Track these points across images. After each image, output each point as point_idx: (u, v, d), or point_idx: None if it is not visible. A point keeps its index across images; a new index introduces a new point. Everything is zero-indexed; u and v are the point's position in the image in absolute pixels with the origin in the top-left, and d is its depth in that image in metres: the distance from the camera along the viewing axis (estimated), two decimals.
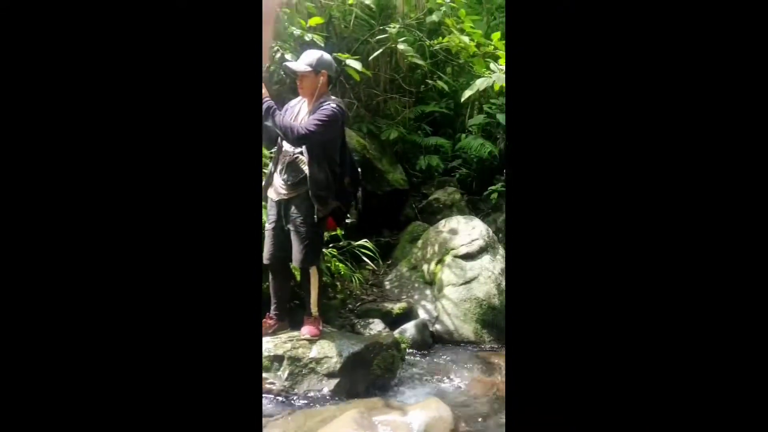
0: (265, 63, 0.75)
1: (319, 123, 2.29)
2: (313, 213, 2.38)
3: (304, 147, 2.35)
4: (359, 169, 2.65)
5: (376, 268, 3.74)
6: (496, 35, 3.58)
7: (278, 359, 2.36)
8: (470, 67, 3.95)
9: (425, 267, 3.54)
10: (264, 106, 2.24)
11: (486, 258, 3.40)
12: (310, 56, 2.38)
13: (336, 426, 1.93)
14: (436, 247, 3.55)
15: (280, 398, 2.31)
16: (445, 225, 3.64)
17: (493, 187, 4.34)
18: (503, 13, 5.45)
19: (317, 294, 2.51)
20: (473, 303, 3.22)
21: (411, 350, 2.96)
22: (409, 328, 3.05)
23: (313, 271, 2.48)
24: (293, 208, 2.41)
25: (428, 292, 3.43)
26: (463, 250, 3.42)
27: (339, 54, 3.12)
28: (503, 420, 2.43)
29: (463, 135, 4.72)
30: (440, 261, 3.46)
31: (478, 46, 3.70)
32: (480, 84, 3.39)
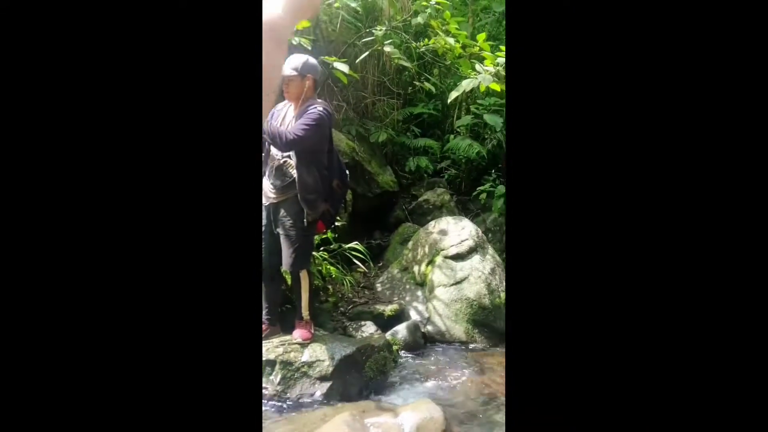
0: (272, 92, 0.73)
1: (307, 127, 2.29)
2: (302, 216, 2.38)
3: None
4: (347, 172, 2.66)
5: (367, 270, 3.74)
6: (482, 36, 3.60)
7: (270, 364, 2.36)
8: (457, 69, 3.97)
9: (416, 268, 3.55)
10: None
11: (476, 258, 3.42)
12: (296, 60, 2.38)
13: (328, 429, 1.93)
14: (427, 249, 3.56)
15: (272, 402, 2.31)
16: (435, 226, 3.65)
17: (481, 188, 4.36)
18: (488, 15, 5.48)
19: (308, 297, 2.51)
20: (464, 303, 3.24)
21: (403, 352, 2.97)
22: (401, 330, 3.06)
23: (304, 275, 2.48)
24: (282, 211, 2.41)
25: (419, 293, 3.44)
26: (453, 251, 3.43)
27: (326, 57, 3.12)
28: (496, 419, 2.44)
29: (451, 136, 4.74)
30: (431, 262, 3.48)
31: (463, 47, 3.72)
32: (466, 85, 3.41)
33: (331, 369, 2.37)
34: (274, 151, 2.43)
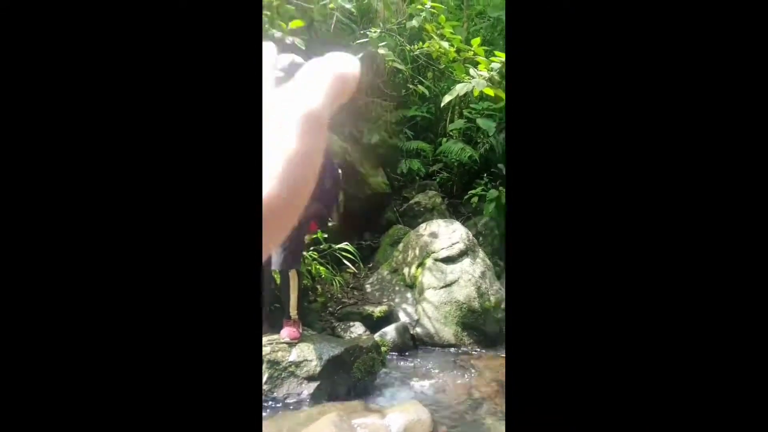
0: None
1: None
2: None
3: None
4: (340, 172, 2.66)
5: (357, 271, 3.74)
6: (476, 41, 3.62)
7: None
8: (450, 72, 3.99)
9: (406, 270, 3.55)
10: None
11: (466, 261, 3.43)
12: (283, 60, 2.38)
13: (315, 429, 1.93)
14: (417, 251, 3.57)
15: None
16: (426, 228, 3.66)
17: (473, 191, 4.38)
18: (483, 20, 5.52)
19: (297, 297, 2.51)
20: (453, 306, 3.25)
21: (391, 353, 2.97)
22: (390, 331, 3.06)
23: (293, 274, 2.48)
24: None
25: (409, 295, 3.44)
26: (443, 254, 3.44)
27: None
28: (484, 422, 2.45)
29: (444, 139, 4.75)
30: (421, 264, 3.48)
31: (458, 51, 3.74)
32: (460, 89, 3.43)
33: (318, 369, 2.36)
34: None
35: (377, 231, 4.30)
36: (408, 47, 3.95)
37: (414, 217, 4.30)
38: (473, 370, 2.89)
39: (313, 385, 2.34)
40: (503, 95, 3.87)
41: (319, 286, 3.38)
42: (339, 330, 3.10)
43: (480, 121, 4.47)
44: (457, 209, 4.56)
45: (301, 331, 2.55)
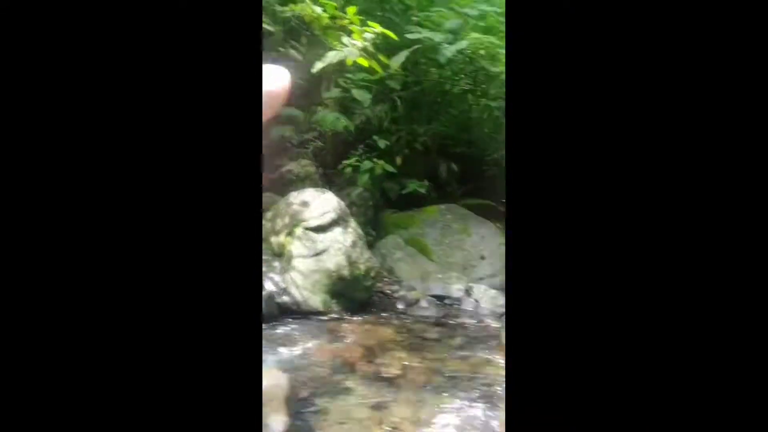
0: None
1: None
2: None
3: None
4: None
5: None
6: (352, 9, 3.58)
7: None
8: (325, 39, 3.92)
9: (273, 239, 3.49)
10: None
11: (337, 230, 3.45)
12: None
13: None
14: (287, 219, 3.51)
15: None
16: (297, 197, 3.61)
17: (347, 161, 4.39)
18: None
19: None
20: (323, 274, 3.26)
21: None
22: None
23: None
24: None
25: (276, 263, 3.39)
26: (314, 223, 3.43)
27: None
28: (345, 384, 2.51)
29: (319, 107, 4.69)
30: (290, 233, 3.44)
31: (332, 18, 3.68)
32: (332, 57, 3.39)
33: None
34: None
35: None
36: (278, 8, 3.80)
37: (285, 186, 4.21)
38: (339, 335, 2.95)
39: None
40: (378, 67, 3.90)
41: None
42: None
43: (355, 92, 4.47)
44: (330, 179, 4.56)
45: None
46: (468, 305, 3.52)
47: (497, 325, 3.21)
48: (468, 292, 3.61)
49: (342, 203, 3.69)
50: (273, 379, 2.04)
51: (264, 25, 3.56)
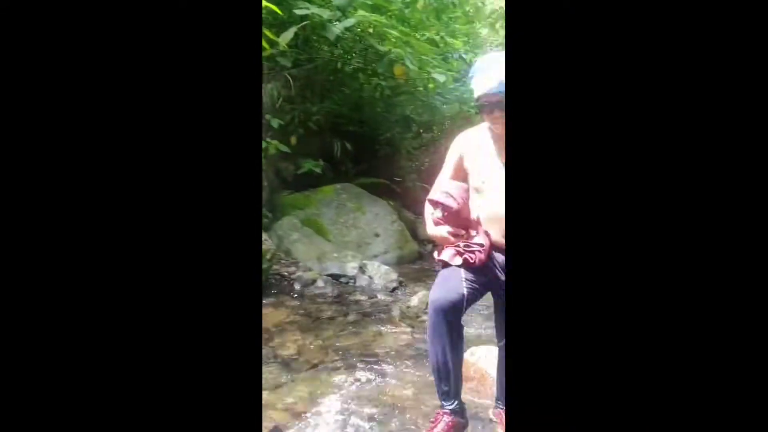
0: None
1: None
2: None
3: None
4: None
5: None
6: None
7: None
8: None
9: None
10: None
11: None
12: None
13: None
14: None
15: None
16: None
17: None
18: None
19: None
20: None
21: None
22: None
23: None
24: None
25: None
26: None
27: None
28: None
29: None
30: None
31: None
32: None
33: None
34: None
35: None
36: None
37: None
38: None
39: None
40: (266, 44, 3.79)
41: None
42: None
43: None
44: None
45: None
46: (362, 282, 3.64)
47: (389, 299, 3.36)
48: (362, 269, 3.72)
49: None
50: None
51: None
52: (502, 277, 1.66)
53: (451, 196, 1.69)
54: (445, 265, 1.68)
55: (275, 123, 4.39)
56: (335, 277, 3.67)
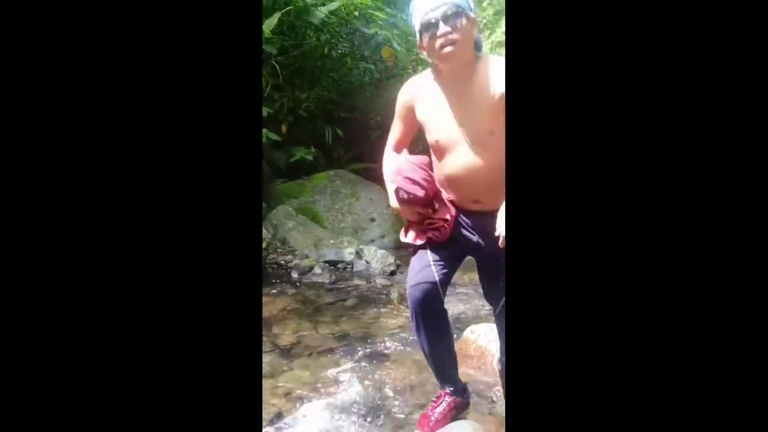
0: None
1: None
2: None
3: None
4: None
5: None
6: None
7: None
8: None
9: None
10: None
11: None
12: None
13: None
14: None
15: None
16: None
17: None
18: None
19: None
20: None
21: None
22: None
23: None
24: None
25: None
26: None
27: None
28: None
29: None
30: None
31: None
32: None
33: None
34: None
35: None
36: None
37: None
38: None
39: None
40: None
41: None
42: None
43: None
44: None
45: None
46: (359, 267, 3.63)
47: (387, 282, 3.35)
48: (359, 254, 3.71)
49: None
50: None
51: None
52: (476, 238, 1.55)
53: (416, 183, 1.48)
54: (414, 248, 1.61)
55: (264, 112, 4.34)
56: (332, 264, 3.66)
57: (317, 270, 3.55)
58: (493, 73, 1.42)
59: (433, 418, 1.72)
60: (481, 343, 2.23)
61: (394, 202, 1.59)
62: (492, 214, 1.40)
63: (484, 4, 6.43)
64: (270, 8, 3.94)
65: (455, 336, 2.47)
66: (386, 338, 2.54)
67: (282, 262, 3.71)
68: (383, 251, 3.76)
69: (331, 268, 3.63)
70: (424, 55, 1.48)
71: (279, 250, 3.88)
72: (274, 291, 3.20)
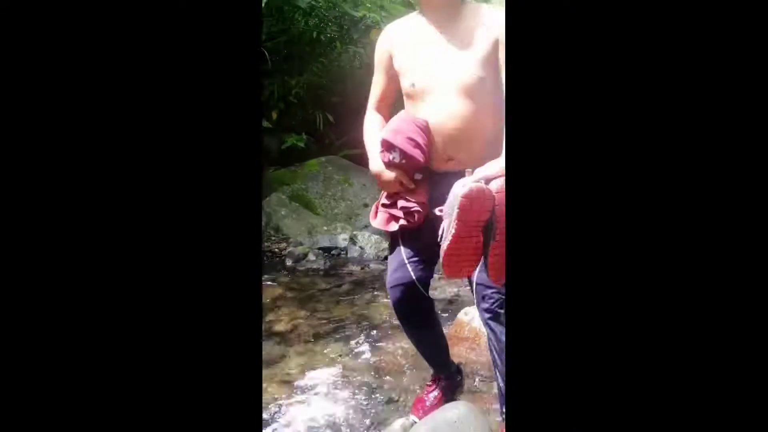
0: None
1: None
2: None
3: None
4: None
5: None
6: None
7: None
8: None
9: None
10: None
11: None
12: None
13: None
14: None
15: None
16: None
17: None
18: None
19: None
20: None
21: None
22: None
23: None
24: None
25: None
26: None
27: None
28: None
29: None
30: None
31: None
32: None
33: None
34: None
35: None
36: None
37: None
38: None
39: None
40: None
41: None
42: None
43: None
44: None
45: None
46: (354, 253, 3.63)
47: (381, 267, 3.36)
48: (353, 240, 3.71)
49: None
50: None
51: None
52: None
53: (419, 147, 1.32)
54: (390, 235, 1.50)
55: None
56: (326, 250, 3.66)
57: (311, 257, 3.55)
58: (485, 20, 1.31)
59: (427, 403, 1.74)
60: (476, 324, 2.24)
61: (377, 166, 1.41)
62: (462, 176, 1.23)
63: None
64: None
65: (449, 319, 2.48)
66: (381, 323, 2.56)
67: (276, 249, 3.71)
68: (377, 237, 3.76)
69: (326, 254, 3.63)
70: None
71: (273, 238, 3.88)
72: (269, 278, 3.21)
